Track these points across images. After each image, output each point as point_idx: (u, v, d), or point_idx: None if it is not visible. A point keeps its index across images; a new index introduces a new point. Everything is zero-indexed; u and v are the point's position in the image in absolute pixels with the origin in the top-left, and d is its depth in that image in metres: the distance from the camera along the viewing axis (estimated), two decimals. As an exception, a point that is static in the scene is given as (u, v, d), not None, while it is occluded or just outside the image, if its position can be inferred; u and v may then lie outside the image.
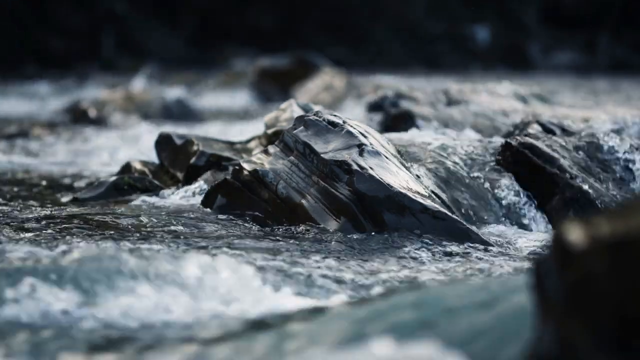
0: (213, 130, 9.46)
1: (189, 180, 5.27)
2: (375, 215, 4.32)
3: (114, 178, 5.36)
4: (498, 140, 5.22)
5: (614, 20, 23.48)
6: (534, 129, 5.59)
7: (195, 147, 5.44)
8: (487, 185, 4.86)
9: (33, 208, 4.98)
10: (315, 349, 2.35)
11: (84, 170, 7.12)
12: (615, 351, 1.86)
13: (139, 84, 14.49)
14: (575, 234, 1.93)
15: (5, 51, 18.93)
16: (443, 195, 4.67)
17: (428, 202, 4.37)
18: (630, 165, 5.04)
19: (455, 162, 4.95)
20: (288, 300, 3.21)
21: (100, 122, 10.74)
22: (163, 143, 5.65)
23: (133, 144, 8.73)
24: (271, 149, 4.74)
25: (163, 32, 21.19)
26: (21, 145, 8.76)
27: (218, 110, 12.79)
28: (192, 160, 5.37)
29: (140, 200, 5.05)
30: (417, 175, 4.69)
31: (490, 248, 4.25)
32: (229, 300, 3.15)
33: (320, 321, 2.65)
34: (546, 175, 4.84)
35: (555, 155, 4.91)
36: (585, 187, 4.80)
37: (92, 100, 11.86)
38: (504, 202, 4.81)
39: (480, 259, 4.07)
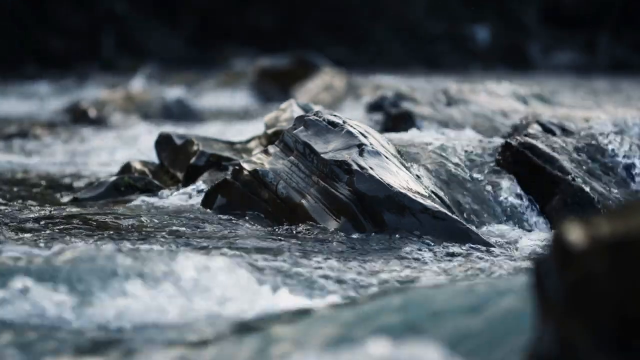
0: (213, 130, 9.46)
1: (189, 180, 5.27)
2: (375, 215, 4.32)
3: (113, 178, 5.36)
4: (498, 141, 5.22)
5: (614, 20, 23.48)
6: (534, 129, 5.59)
7: (195, 147, 5.44)
8: (487, 185, 4.86)
9: (33, 208, 4.98)
10: (300, 352, 2.35)
11: (84, 170, 7.12)
12: (615, 351, 1.86)
13: (137, 84, 14.48)
14: (575, 234, 1.93)
15: (5, 51, 18.92)
16: (443, 195, 4.67)
17: (428, 202, 4.37)
18: (631, 166, 5.04)
19: (455, 162, 4.95)
20: (283, 301, 3.20)
21: (100, 122, 10.74)
22: (163, 143, 5.65)
23: (133, 144, 8.73)
24: (271, 149, 4.73)
25: (163, 32, 21.19)
26: (21, 145, 8.76)
27: (218, 110, 12.79)
28: (192, 160, 5.37)
29: (140, 200, 5.05)
30: (417, 175, 4.69)
31: (490, 248, 4.25)
32: (223, 301, 3.14)
33: (307, 323, 2.63)
34: (546, 176, 4.84)
35: (556, 155, 4.91)
36: (585, 187, 4.80)
37: (92, 100, 11.86)
38: (504, 202, 4.81)
39: (480, 259, 4.07)
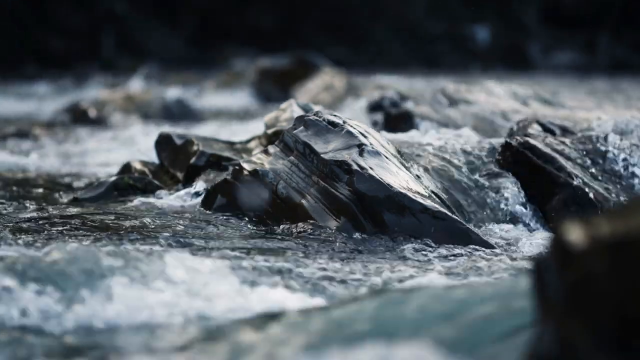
0: (213, 130, 9.46)
1: (189, 180, 5.27)
2: (375, 215, 4.32)
3: (113, 178, 5.36)
4: (498, 141, 5.22)
5: (614, 20, 23.48)
6: (534, 129, 5.59)
7: (195, 147, 5.44)
8: (487, 185, 4.86)
9: (32, 208, 4.98)
10: (296, 354, 2.34)
11: (84, 170, 7.12)
12: (615, 351, 1.86)
13: (135, 85, 14.49)
14: (575, 234, 1.93)
15: (5, 51, 18.92)
16: (443, 195, 4.67)
17: (428, 202, 4.37)
18: (630, 166, 5.04)
19: (455, 163, 4.95)
20: (277, 302, 3.18)
21: (100, 122, 10.74)
22: (163, 143, 5.65)
23: (133, 144, 8.73)
24: (271, 149, 4.74)
25: (163, 32, 21.19)
26: (21, 145, 8.76)
27: (218, 110, 12.78)
28: (192, 160, 5.37)
29: (140, 200, 5.05)
30: (417, 175, 4.68)
31: (490, 248, 4.25)
32: (212, 302, 3.12)
33: (283, 327, 2.62)
34: (546, 176, 4.84)
35: (556, 155, 4.91)
36: (585, 187, 4.80)
37: (92, 100, 11.85)
38: (503, 202, 4.81)
39: (480, 259, 4.07)
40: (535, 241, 4.45)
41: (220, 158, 5.36)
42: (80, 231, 4.26)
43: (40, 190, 5.87)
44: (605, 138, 5.13)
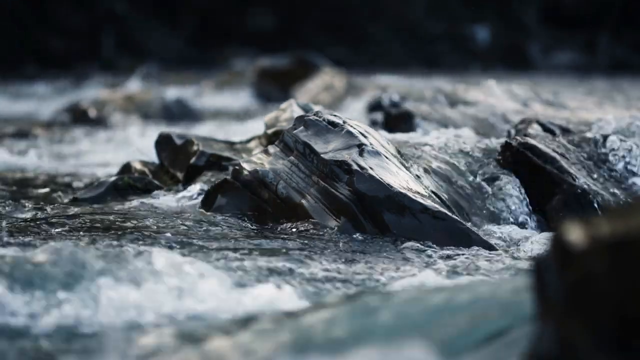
0: (212, 130, 9.46)
1: (189, 180, 5.27)
2: (375, 215, 4.32)
3: (113, 178, 5.36)
4: (498, 141, 5.22)
5: (614, 20, 23.47)
6: (534, 129, 5.59)
7: (195, 147, 5.44)
8: (487, 185, 4.86)
9: (32, 208, 4.98)
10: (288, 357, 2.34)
11: (84, 170, 7.12)
12: (615, 351, 1.86)
13: (133, 85, 14.49)
14: (575, 234, 1.93)
15: (5, 51, 18.93)
16: (443, 195, 4.67)
17: (428, 202, 4.36)
18: (631, 166, 5.04)
19: (455, 163, 4.95)
20: (270, 302, 3.17)
21: (100, 122, 10.74)
22: (163, 143, 5.65)
23: (133, 144, 8.73)
24: (271, 149, 4.73)
25: (163, 32, 21.19)
26: (21, 145, 8.76)
27: (218, 110, 12.78)
28: (192, 160, 5.37)
29: (140, 200, 5.05)
30: (417, 175, 4.68)
31: (490, 248, 4.25)
32: (201, 302, 3.10)
33: (277, 328, 2.61)
34: (546, 176, 4.84)
35: (556, 155, 4.91)
36: (585, 187, 4.80)
37: (92, 100, 11.85)
38: (503, 202, 4.81)
39: (480, 259, 4.07)
40: (535, 241, 4.45)
41: (220, 158, 5.36)
42: (80, 231, 4.25)
43: (40, 190, 5.87)
44: (606, 138, 5.13)
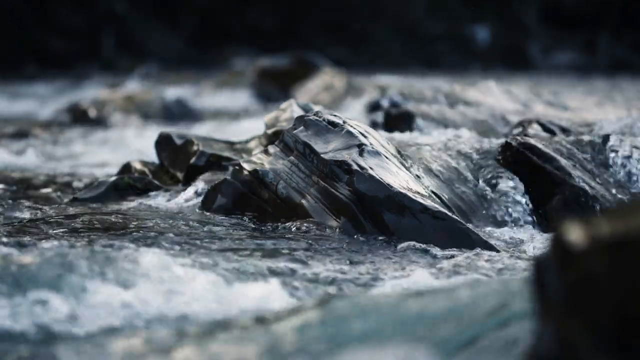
0: (212, 130, 9.45)
1: (189, 180, 5.27)
2: (375, 215, 4.32)
3: (113, 178, 5.36)
4: (498, 141, 5.22)
5: (614, 20, 23.48)
6: (534, 129, 5.59)
7: (195, 147, 5.45)
8: (487, 185, 4.86)
9: (32, 208, 4.98)
10: None
11: (84, 170, 7.12)
12: (615, 351, 1.86)
13: (132, 85, 14.49)
14: (575, 234, 1.93)
15: (5, 51, 18.93)
16: (443, 195, 4.67)
17: (428, 202, 4.36)
18: (631, 166, 5.04)
19: (455, 163, 4.95)
20: (265, 303, 3.16)
21: (100, 122, 10.74)
22: (163, 143, 5.65)
23: (132, 144, 8.73)
24: (271, 149, 4.73)
25: (163, 32, 21.19)
26: (21, 145, 8.76)
27: (218, 110, 12.78)
28: (192, 160, 5.37)
29: (140, 200, 5.05)
30: (417, 175, 4.68)
31: (490, 248, 4.25)
32: (190, 303, 3.09)
33: (273, 329, 2.59)
34: (546, 176, 4.84)
35: (556, 155, 4.91)
36: (585, 187, 4.80)
37: (92, 100, 11.86)
38: (503, 202, 4.81)
39: (480, 259, 4.06)
40: (535, 241, 4.45)
41: (220, 158, 5.36)
42: (79, 231, 4.25)
43: (39, 190, 5.87)
44: (606, 138, 5.13)
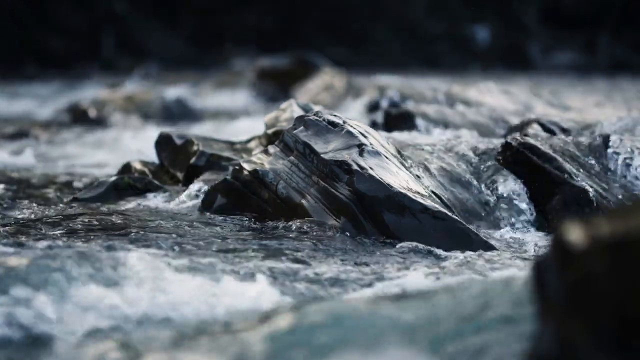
0: (212, 130, 9.45)
1: (189, 180, 5.27)
2: (375, 215, 4.32)
3: (113, 178, 5.36)
4: (498, 141, 5.22)
5: (614, 20, 23.47)
6: (534, 129, 5.59)
7: (195, 147, 5.45)
8: (487, 185, 4.86)
9: (32, 208, 4.98)
10: None
11: (84, 170, 7.11)
12: (615, 351, 1.86)
13: (131, 85, 14.48)
14: (575, 234, 1.93)
15: (5, 51, 18.92)
16: (443, 195, 4.67)
17: (428, 202, 4.36)
18: (630, 166, 5.04)
19: (455, 162, 4.95)
20: (256, 303, 3.15)
21: (100, 122, 10.74)
22: (163, 143, 5.65)
23: (132, 144, 8.72)
24: (271, 149, 4.73)
25: (163, 32, 21.19)
26: (21, 145, 8.75)
27: (218, 110, 12.78)
28: (192, 160, 5.37)
29: (140, 200, 5.05)
30: (417, 175, 4.68)
31: (490, 248, 4.24)
32: (180, 305, 3.07)
33: (270, 330, 2.58)
34: (546, 176, 4.84)
35: (556, 155, 4.91)
36: (585, 187, 4.80)
37: (92, 100, 11.85)
38: (503, 202, 4.81)
39: (480, 259, 4.06)
40: (535, 241, 4.45)
41: (220, 158, 5.36)
42: (78, 231, 4.25)
43: (40, 190, 5.87)
44: (606, 138, 5.13)
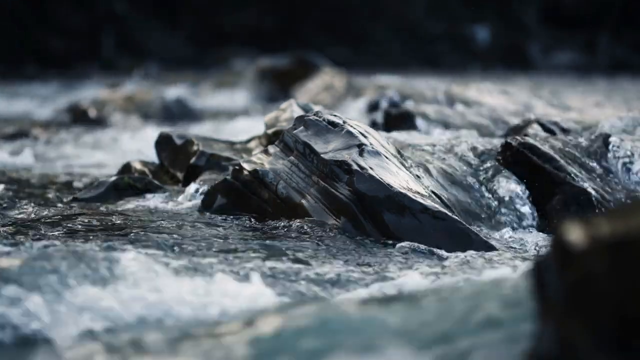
0: (212, 130, 9.45)
1: (189, 180, 5.27)
2: (375, 215, 4.32)
3: (113, 178, 5.36)
4: (498, 141, 5.22)
5: (614, 20, 23.47)
6: (534, 129, 5.59)
7: (195, 147, 5.45)
8: (486, 185, 4.86)
9: (31, 208, 4.97)
10: None
11: (84, 170, 7.11)
12: (615, 351, 1.86)
13: (131, 85, 14.49)
14: (575, 234, 1.93)
15: (5, 51, 18.93)
16: (443, 195, 4.67)
17: (428, 202, 4.36)
18: (630, 166, 5.04)
19: (455, 162, 4.94)
20: (262, 303, 3.14)
21: (100, 122, 10.74)
22: (163, 143, 5.65)
23: (132, 144, 8.72)
24: (271, 149, 4.73)
25: (163, 32, 21.19)
26: (21, 145, 8.75)
27: (218, 110, 12.78)
28: (192, 160, 5.37)
29: (140, 200, 5.05)
30: (417, 175, 4.68)
31: (490, 248, 4.24)
32: (175, 305, 3.06)
33: (268, 330, 2.57)
34: (546, 176, 4.84)
35: (555, 155, 4.91)
36: (585, 187, 4.80)
37: (92, 100, 11.86)
38: (503, 202, 4.81)
39: (480, 259, 4.06)
40: (535, 241, 4.45)
41: (220, 158, 5.36)
42: (78, 232, 4.25)
43: (39, 190, 5.87)
44: (606, 138, 5.13)
